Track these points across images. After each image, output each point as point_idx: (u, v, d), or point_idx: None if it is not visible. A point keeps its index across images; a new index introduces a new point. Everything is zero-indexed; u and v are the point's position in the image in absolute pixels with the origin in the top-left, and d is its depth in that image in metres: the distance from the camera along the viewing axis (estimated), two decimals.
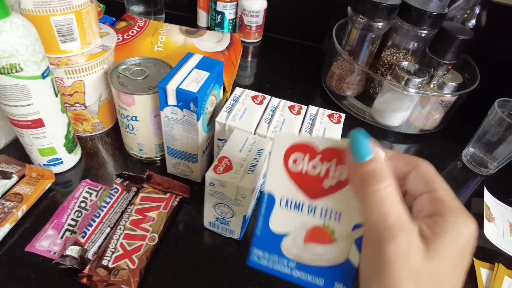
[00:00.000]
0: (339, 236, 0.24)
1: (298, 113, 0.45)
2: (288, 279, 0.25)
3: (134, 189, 0.45)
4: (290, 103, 0.47)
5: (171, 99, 0.38)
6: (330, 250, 0.24)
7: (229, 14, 0.76)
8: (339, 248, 0.24)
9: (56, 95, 0.42)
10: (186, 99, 0.37)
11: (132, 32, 0.57)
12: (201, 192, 0.47)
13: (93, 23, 0.45)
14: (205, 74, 0.40)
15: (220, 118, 0.43)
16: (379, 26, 0.58)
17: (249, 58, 0.79)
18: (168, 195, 0.45)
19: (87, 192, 0.45)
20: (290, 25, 0.83)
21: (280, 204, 0.25)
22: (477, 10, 0.60)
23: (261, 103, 0.46)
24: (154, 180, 0.46)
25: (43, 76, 0.38)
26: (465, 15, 0.61)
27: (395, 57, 0.63)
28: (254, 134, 0.42)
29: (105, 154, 0.52)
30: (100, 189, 0.46)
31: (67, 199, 0.44)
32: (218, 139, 0.44)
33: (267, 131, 0.42)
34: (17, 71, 0.36)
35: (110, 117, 0.53)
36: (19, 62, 0.35)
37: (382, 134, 0.64)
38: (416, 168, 0.22)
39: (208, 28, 0.81)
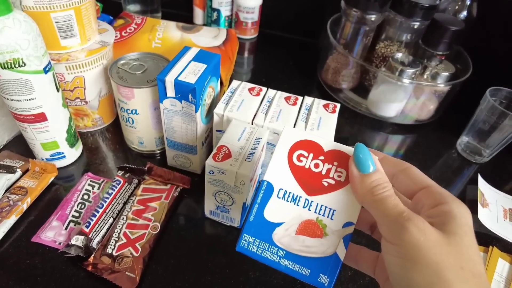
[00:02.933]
0: (329, 231, 0.26)
1: (294, 103, 0.46)
2: (276, 266, 0.26)
3: (135, 181, 0.46)
4: (286, 94, 0.48)
5: (170, 91, 0.39)
6: (319, 243, 0.25)
7: (225, 11, 0.77)
8: (329, 242, 0.25)
9: (58, 90, 0.43)
10: (184, 91, 0.39)
11: (130, 29, 0.58)
12: (201, 183, 0.48)
13: (92, 19, 0.46)
14: (202, 66, 0.41)
15: (218, 109, 0.44)
16: (372, 19, 0.59)
17: (246, 55, 0.80)
18: (169, 186, 0.46)
19: (89, 184, 0.46)
20: (285, 21, 0.84)
21: (278, 194, 0.26)
22: (468, 2, 0.61)
23: (257, 94, 0.47)
24: (154, 172, 0.47)
25: (45, 70, 0.39)
26: (456, 7, 0.62)
27: (389, 49, 0.65)
28: (252, 124, 0.43)
29: (105, 148, 0.53)
30: (102, 182, 0.47)
31: (70, 192, 0.45)
32: (217, 131, 0.46)
33: (264, 121, 0.43)
34: (20, 66, 0.37)
35: (110, 112, 0.54)
36: (22, 57, 0.36)
37: (378, 125, 0.65)
38: (407, 169, 0.25)
39: (205, 25, 0.83)
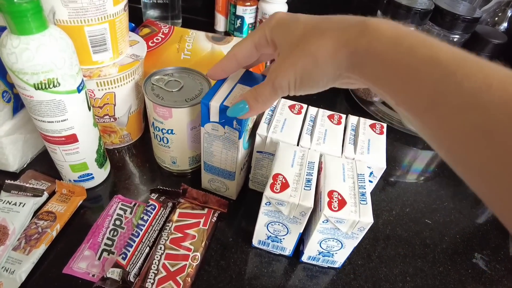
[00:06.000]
0: None
1: (339, 123, 0.44)
2: None
3: (170, 204, 0.44)
4: (329, 112, 0.45)
5: (214, 116, 0.36)
6: None
7: (249, 18, 0.74)
8: None
9: (89, 109, 0.40)
10: (229, 117, 0.36)
11: (157, 39, 0.55)
12: (238, 207, 0.46)
13: (125, 32, 0.43)
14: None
15: (261, 130, 0.41)
16: None
17: (268, 63, 0.77)
18: (206, 210, 0.43)
19: (120, 209, 0.43)
20: None
21: None
22: (509, 13, 0.59)
23: (299, 112, 0.44)
24: (189, 194, 0.44)
25: (78, 90, 0.37)
26: (496, 18, 0.60)
27: None
28: (298, 146, 0.40)
29: (134, 167, 0.50)
30: (134, 205, 0.44)
31: (100, 216, 0.42)
32: (258, 152, 0.43)
33: (311, 143, 0.40)
34: (54, 86, 0.34)
35: (138, 128, 0.52)
36: (57, 77, 0.34)
37: (411, 140, 0.62)
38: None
39: (226, 33, 0.80)
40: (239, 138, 0.37)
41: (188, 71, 0.45)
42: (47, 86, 0.34)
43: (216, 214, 0.43)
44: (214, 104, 0.35)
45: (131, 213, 0.43)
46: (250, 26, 0.76)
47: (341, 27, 0.25)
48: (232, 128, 0.37)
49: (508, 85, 0.18)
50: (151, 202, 0.43)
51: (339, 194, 0.35)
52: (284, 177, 0.35)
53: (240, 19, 0.74)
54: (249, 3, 0.73)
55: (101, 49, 0.41)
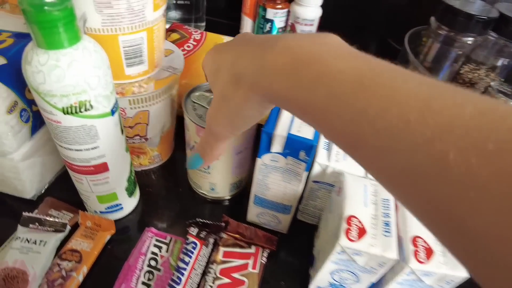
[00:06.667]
0: None
1: None
2: None
3: (211, 240, 0.38)
4: None
5: (277, 146, 0.31)
6: None
7: (279, 22, 0.68)
8: None
9: (122, 132, 0.34)
10: (296, 147, 0.30)
11: (188, 47, 0.49)
12: (283, 241, 0.40)
13: (162, 41, 0.37)
14: None
15: (321, 158, 0.35)
16: (469, 42, 0.51)
17: None
18: (253, 248, 0.37)
19: (155, 245, 0.37)
20: (343, 34, 0.75)
21: None
22: None
23: None
24: (232, 228, 0.39)
25: (112, 112, 0.31)
26: None
27: (476, 74, 0.56)
28: (366, 177, 0.34)
29: (164, 191, 0.44)
30: (170, 241, 0.38)
31: (132, 254, 0.37)
32: (314, 182, 0.37)
33: None
34: (86, 110, 0.28)
35: (169, 147, 0.46)
36: (90, 99, 0.28)
37: None
38: None
39: None
40: (306, 170, 0.32)
41: None
42: (78, 110, 0.28)
43: (265, 254, 0.37)
44: (280, 134, 0.29)
45: (167, 251, 0.37)
46: (280, 30, 0.70)
47: (248, 65, 0.22)
48: (298, 159, 0.31)
49: (429, 117, 0.14)
50: (191, 239, 0.37)
51: (358, 220, 0.29)
52: (359, 221, 0.30)
53: (270, 23, 0.68)
54: (280, 6, 0.67)
55: (135, 62, 0.35)
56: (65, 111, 0.27)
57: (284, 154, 0.31)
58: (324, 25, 0.71)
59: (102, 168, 0.33)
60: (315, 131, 0.32)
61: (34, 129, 0.37)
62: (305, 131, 0.31)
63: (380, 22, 0.71)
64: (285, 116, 0.31)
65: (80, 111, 0.28)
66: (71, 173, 0.34)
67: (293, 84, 0.19)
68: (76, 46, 0.26)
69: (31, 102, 0.36)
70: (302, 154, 0.30)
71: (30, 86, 0.27)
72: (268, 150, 0.31)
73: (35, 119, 0.37)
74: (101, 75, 0.28)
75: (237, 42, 0.24)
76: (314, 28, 0.68)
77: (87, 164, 0.32)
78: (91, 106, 0.28)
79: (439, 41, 0.53)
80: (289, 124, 0.30)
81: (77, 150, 0.31)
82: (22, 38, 0.37)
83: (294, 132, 0.30)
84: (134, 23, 0.32)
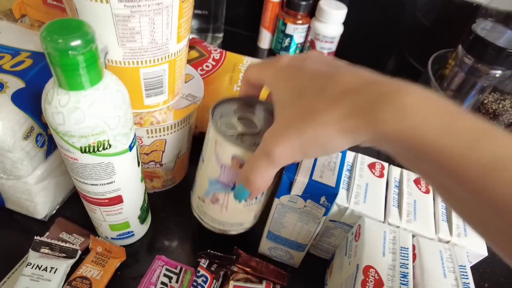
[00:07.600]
0: None
1: (427, 191, 0.37)
2: None
3: (221, 273, 0.37)
4: (414, 176, 0.38)
5: (297, 190, 0.30)
6: None
7: (299, 38, 0.67)
8: None
9: (139, 164, 0.33)
10: (318, 193, 0.29)
11: (207, 67, 0.48)
12: (294, 276, 0.39)
13: (183, 69, 0.36)
14: (337, 157, 0.31)
15: (341, 199, 0.34)
16: (497, 75, 0.49)
17: None
18: (264, 284, 0.37)
19: (165, 275, 0.37)
20: (363, 52, 0.73)
21: None
22: None
23: (381, 175, 0.37)
24: (243, 260, 0.38)
25: (130, 148, 0.30)
26: None
27: (500, 104, 0.54)
28: (385, 223, 0.33)
29: (175, 216, 0.44)
30: (180, 270, 0.38)
31: (141, 283, 0.36)
32: (331, 220, 0.36)
33: (400, 220, 0.34)
34: (104, 149, 0.27)
35: (183, 170, 0.45)
36: (109, 138, 0.27)
37: None
38: None
39: (271, 50, 0.72)
40: (325, 215, 0.31)
41: (261, 103, 0.33)
42: (96, 149, 0.27)
43: None
44: (302, 180, 0.29)
45: (177, 281, 0.37)
46: (299, 46, 0.68)
47: (361, 95, 0.21)
48: (318, 203, 0.30)
49: None
50: (201, 271, 0.36)
51: (375, 271, 0.29)
52: (376, 272, 0.29)
53: (289, 38, 0.67)
54: (300, 21, 0.65)
55: (155, 93, 0.34)
56: (83, 150, 0.27)
57: (304, 197, 0.30)
58: (342, 40, 0.70)
59: (117, 200, 0.33)
60: (337, 175, 0.30)
61: (48, 152, 0.37)
62: (328, 176, 0.30)
63: (403, 41, 0.69)
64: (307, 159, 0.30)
65: (98, 150, 0.27)
66: (85, 203, 0.34)
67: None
68: (97, 86, 0.25)
69: (46, 126, 0.35)
70: (322, 199, 0.30)
71: (49, 124, 0.26)
72: (287, 192, 0.30)
73: (50, 143, 0.37)
74: (122, 114, 0.27)
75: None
76: (334, 46, 0.67)
77: (102, 197, 0.32)
78: (110, 145, 0.28)
79: (465, 71, 0.51)
80: (311, 167, 0.30)
81: (92, 184, 0.30)
82: (41, 59, 0.36)
83: (316, 178, 0.29)
84: (156, 56, 0.31)
